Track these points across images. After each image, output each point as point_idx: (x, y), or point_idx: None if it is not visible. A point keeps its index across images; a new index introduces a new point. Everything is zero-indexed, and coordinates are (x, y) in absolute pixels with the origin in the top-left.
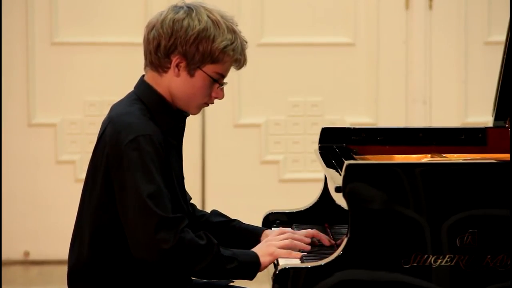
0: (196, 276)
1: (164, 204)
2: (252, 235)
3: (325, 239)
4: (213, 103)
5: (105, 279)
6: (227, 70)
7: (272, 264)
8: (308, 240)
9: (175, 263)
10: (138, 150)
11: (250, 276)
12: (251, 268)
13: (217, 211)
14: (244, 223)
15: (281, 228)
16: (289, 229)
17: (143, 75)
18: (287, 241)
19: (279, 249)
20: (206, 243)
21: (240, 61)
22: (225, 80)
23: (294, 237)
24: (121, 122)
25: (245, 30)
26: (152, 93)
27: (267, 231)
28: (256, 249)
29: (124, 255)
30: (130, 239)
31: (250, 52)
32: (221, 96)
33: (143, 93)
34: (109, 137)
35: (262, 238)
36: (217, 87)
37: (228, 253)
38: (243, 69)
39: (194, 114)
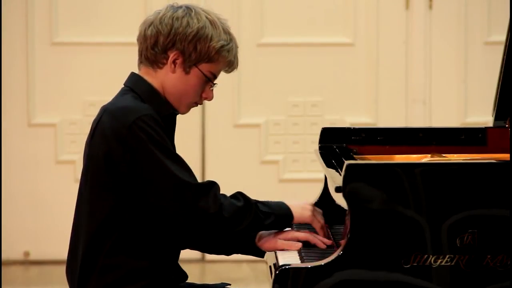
0: (236, 235)
1: (190, 172)
2: None
3: (321, 244)
4: (202, 103)
5: (102, 272)
6: (219, 71)
7: (272, 264)
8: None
9: (220, 226)
10: (145, 129)
11: (282, 228)
12: (285, 220)
13: None
14: None
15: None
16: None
17: (132, 72)
18: (322, 224)
19: (316, 220)
20: (244, 204)
21: (233, 64)
22: (215, 82)
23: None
24: (118, 108)
25: (245, 30)
26: (144, 84)
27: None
28: (293, 206)
29: (123, 243)
30: (170, 217)
31: (250, 52)
32: (210, 97)
33: (135, 84)
34: (107, 123)
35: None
36: (209, 87)
37: (266, 209)
38: (243, 69)
39: (183, 113)
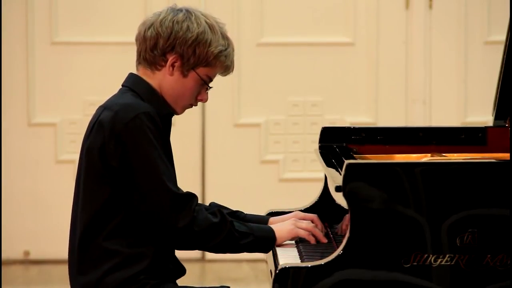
0: (210, 251)
1: (173, 180)
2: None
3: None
4: (196, 105)
5: (98, 260)
6: (215, 75)
7: (272, 264)
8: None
9: (189, 240)
10: (141, 127)
11: (265, 250)
12: (266, 242)
13: (215, 203)
14: (248, 214)
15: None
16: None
17: (130, 73)
18: (310, 225)
19: (299, 228)
20: (219, 221)
21: (229, 68)
22: (211, 85)
23: (317, 228)
24: (118, 105)
25: (245, 30)
26: (143, 84)
27: (272, 219)
28: (275, 225)
29: (119, 232)
30: (144, 215)
31: (250, 52)
32: (205, 99)
33: (134, 83)
34: (106, 118)
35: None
36: (204, 90)
37: (244, 229)
38: (243, 69)
39: (178, 114)
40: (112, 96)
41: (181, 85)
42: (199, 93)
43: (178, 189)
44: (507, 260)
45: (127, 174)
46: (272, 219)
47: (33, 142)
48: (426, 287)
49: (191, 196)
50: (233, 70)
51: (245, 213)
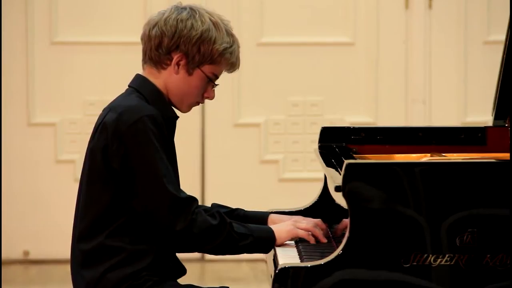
0: (210, 253)
1: (174, 183)
2: (258, 221)
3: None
4: (203, 103)
5: (100, 258)
6: (221, 72)
7: (272, 264)
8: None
9: (188, 243)
10: (144, 129)
11: (265, 251)
12: (266, 243)
13: (216, 204)
14: (247, 211)
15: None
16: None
17: (137, 74)
18: (310, 225)
19: (299, 228)
20: (218, 223)
21: (235, 65)
22: (216, 82)
23: (317, 228)
24: (122, 107)
25: (245, 30)
26: (148, 84)
27: (272, 216)
28: (274, 226)
29: (121, 231)
30: (144, 215)
31: (250, 52)
32: (212, 96)
33: (140, 85)
34: (110, 120)
35: (268, 223)
36: (211, 87)
37: (243, 230)
38: (243, 69)
39: (184, 112)
40: (118, 96)
41: (187, 84)
42: (205, 90)
43: (179, 192)
44: (506, 260)
45: (128, 176)
46: (272, 216)
47: (32, 142)
48: (426, 287)
49: (191, 200)
50: (239, 66)
51: (245, 210)
